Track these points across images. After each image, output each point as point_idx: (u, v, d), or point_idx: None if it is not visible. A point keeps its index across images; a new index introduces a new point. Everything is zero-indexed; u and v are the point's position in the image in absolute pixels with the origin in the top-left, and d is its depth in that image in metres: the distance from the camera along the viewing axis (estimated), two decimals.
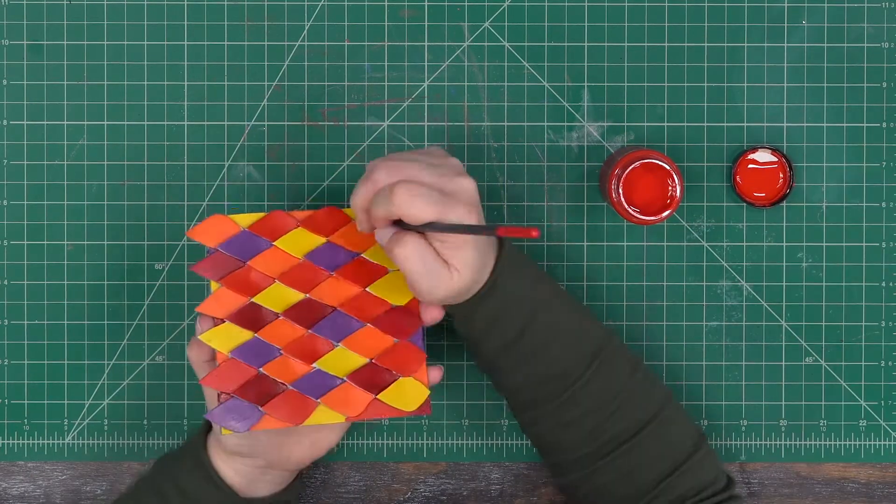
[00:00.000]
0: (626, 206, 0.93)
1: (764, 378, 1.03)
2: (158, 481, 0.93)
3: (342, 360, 0.88)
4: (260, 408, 0.87)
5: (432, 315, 0.91)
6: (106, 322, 1.02)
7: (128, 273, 1.02)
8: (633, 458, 0.90)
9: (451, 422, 1.02)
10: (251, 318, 0.88)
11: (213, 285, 0.88)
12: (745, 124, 1.02)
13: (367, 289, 0.91)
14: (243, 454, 0.91)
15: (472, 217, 0.83)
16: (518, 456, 1.03)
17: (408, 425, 1.02)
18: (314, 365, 0.88)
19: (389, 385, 0.89)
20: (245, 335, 0.88)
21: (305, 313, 0.88)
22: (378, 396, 0.89)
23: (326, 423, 0.87)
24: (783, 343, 1.02)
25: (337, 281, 0.90)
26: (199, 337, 0.88)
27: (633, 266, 1.02)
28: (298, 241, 0.90)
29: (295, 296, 0.89)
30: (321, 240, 0.91)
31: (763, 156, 1.00)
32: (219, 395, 0.88)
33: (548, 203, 1.02)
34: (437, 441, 1.02)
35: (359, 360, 0.89)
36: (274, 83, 1.02)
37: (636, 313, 1.03)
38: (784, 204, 1.02)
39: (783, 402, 1.02)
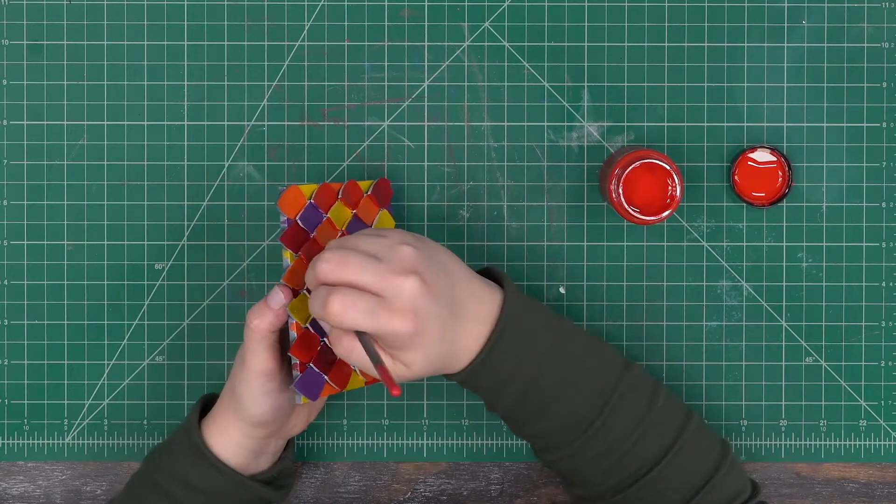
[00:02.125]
0: (626, 206, 0.94)
1: (764, 378, 1.03)
2: (154, 477, 0.93)
3: None
4: (325, 376, 0.90)
5: None
6: (106, 322, 1.02)
7: (128, 273, 1.02)
8: (657, 486, 0.91)
9: (451, 422, 1.03)
10: None
11: (289, 256, 0.91)
12: (745, 124, 1.02)
13: None
14: (266, 423, 0.92)
15: (407, 325, 0.83)
16: (518, 456, 1.04)
17: (408, 425, 1.02)
18: None
19: None
20: None
21: None
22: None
23: (354, 387, 0.92)
24: (783, 343, 1.02)
25: None
26: (286, 307, 0.89)
27: (633, 266, 1.03)
28: (339, 214, 0.94)
29: None
30: (350, 213, 0.94)
31: (762, 155, 1.01)
32: (296, 365, 0.90)
33: (548, 203, 1.02)
34: (437, 441, 1.03)
35: None
36: (274, 83, 1.02)
37: (636, 313, 1.03)
38: (784, 204, 1.02)
39: (783, 402, 1.02)
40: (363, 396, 1.03)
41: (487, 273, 0.94)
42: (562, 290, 1.02)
